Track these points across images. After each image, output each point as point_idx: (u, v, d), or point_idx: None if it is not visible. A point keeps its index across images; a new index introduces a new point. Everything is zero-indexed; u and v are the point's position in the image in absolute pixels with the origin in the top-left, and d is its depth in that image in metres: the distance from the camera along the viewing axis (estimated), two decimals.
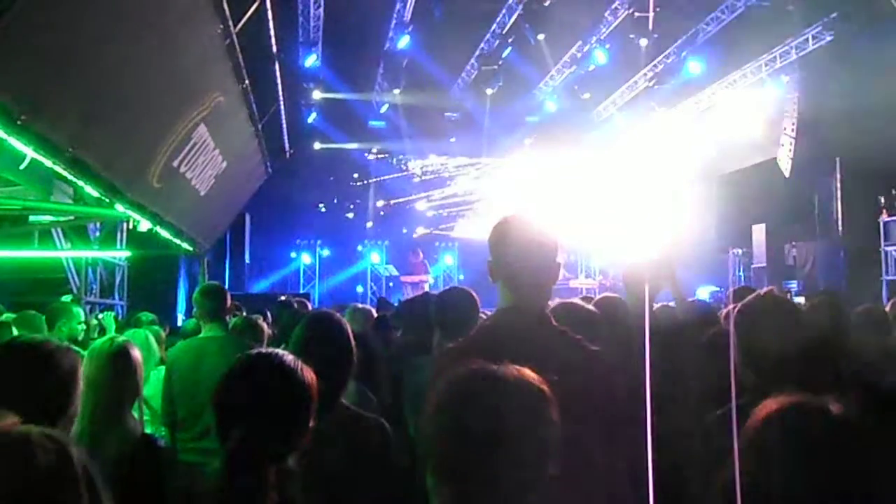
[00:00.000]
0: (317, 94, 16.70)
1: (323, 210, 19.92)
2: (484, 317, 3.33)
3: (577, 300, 3.46)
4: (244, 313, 6.93)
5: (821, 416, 1.38)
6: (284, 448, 1.96)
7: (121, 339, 3.41)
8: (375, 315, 5.84)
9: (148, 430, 4.74)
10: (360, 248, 19.42)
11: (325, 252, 19.23)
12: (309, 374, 2.06)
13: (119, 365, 2.78)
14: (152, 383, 4.94)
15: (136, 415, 3.11)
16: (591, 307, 3.31)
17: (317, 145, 18.85)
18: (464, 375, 1.54)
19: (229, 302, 4.92)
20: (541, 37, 14.10)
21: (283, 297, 11.08)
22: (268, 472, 1.88)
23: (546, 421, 1.51)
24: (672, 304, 4.63)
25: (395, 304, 7.53)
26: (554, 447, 1.50)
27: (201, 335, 4.79)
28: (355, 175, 20.01)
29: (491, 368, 1.54)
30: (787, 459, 1.22)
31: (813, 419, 1.36)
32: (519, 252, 2.22)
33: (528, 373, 1.57)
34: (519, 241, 2.23)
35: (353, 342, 2.87)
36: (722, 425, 2.41)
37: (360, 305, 6.48)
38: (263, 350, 2.14)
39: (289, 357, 2.08)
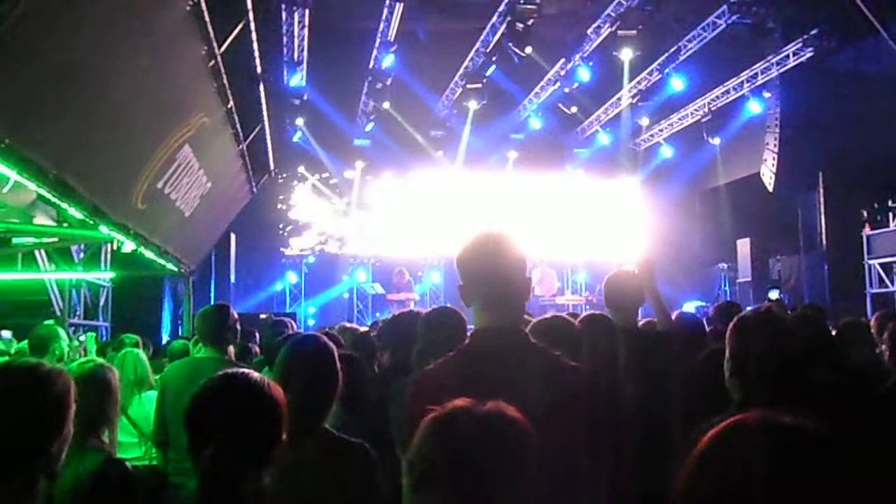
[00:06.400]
0: (300, 121, 16.74)
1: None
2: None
3: (563, 315, 3.45)
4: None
5: (794, 433, 1.34)
6: (256, 464, 2.00)
7: (92, 363, 3.39)
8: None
9: (137, 452, 4.75)
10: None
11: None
12: (276, 391, 2.12)
13: (88, 389, 2.77)
14: (137, 405, 4.92)
15: (106, 439, 3.09)
16: (573, 322, 3.31)
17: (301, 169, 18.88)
18: (442, 417, 1.57)
19: (232, 321, 4.67)
20: (528, 49, 14.16)
21: (263, 316, 11.04)
22: (242, 489, 1.93)
23: (525, 460, 1.53)
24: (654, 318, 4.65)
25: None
26: (533, 479, 1.53)
27: (197, 355, 4.78)
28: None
29: (468, 409, 1.57)
30: (753, 478, 1.20)
31: (784, 436, 1.32)
32: (487, 272, 2.22)
33: (508, 410, 1.58)
34: (486, 260, 2.23)
35: (338, 365, 2.86)
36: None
37: (348, 325, 6.47)
38: (230, 370, 2.18)
39: (255, 375, 2.14)
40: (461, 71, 16.46)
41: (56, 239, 8.75)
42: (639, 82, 16.67)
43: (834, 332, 4.67)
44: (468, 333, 3.61)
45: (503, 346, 2.17)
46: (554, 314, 3.40)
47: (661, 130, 19.22)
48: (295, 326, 7.08)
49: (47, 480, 2.03)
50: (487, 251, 2.24)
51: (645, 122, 19.25)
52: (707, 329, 5.02)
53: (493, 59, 15.25)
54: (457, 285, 2.29)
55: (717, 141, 17.42)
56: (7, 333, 7.50)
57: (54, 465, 2.05)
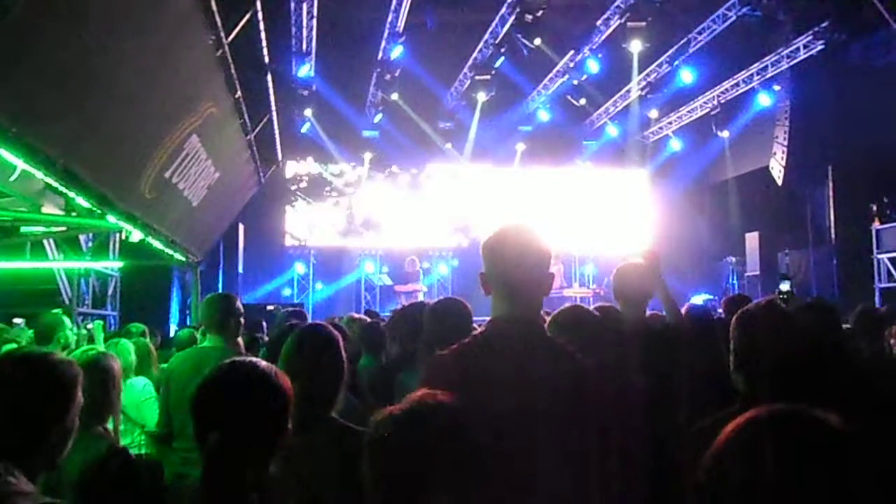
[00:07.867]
0: (308, 112, 16.72)
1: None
2: (477, 328, 3.33)
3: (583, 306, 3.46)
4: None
5: (816, 426, 1.33)
6: (261, 452, 2.01)
7: (94, 350, 3.40)
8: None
9: (126, 440, 4.74)
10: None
11: None
12: (284, 380, 2.12)
13: (91, 377, 2.77)
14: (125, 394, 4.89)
15: (110, 426, 3.09)
16: (596, 313, 3.31)
17: (309, 160, 18.91)
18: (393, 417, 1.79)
19: (236, 310, 4.66)
20: (537, 41, 14.11)
21: (270, 307, 11.04)
22: (246, 476, 1.94)
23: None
24: (663, 312, 4.63)
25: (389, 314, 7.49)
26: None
27: (202, 345, 4.76)
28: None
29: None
30: (774, 469, 1.19)
31: (806, 429, 1.30)
32: (512, 263, 2.21)
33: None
34: (513, 251, 2.21)
35: (344, 354, 2.86)
36: (711, 433, 2.40)
37: (356, 316, 6.48)
38: (238, 358, 2.18)
39: (263, 363, 2.14)
40: (470, 62, 16.42)
41: (64, 228, 8.77)
42: (648, 74, 16.60)
43: (846, 326, 4.64)
44: (474, 324, 3.63)
45: (518, 336, 2.17)
46: (574, 304, 3.41)
47: (669, 123, 19.15)
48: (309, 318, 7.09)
49: (48, 470, 2.02)
50: (514, 242, 2.23)
51: (654, 114, 19.18)
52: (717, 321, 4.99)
53: (502, 50, 15.20)
54: (478, 272, 2.28)
55: (726, 134, 17.36)
56: (20, 321, 7.52)
57: (55, 456, 2.04)
